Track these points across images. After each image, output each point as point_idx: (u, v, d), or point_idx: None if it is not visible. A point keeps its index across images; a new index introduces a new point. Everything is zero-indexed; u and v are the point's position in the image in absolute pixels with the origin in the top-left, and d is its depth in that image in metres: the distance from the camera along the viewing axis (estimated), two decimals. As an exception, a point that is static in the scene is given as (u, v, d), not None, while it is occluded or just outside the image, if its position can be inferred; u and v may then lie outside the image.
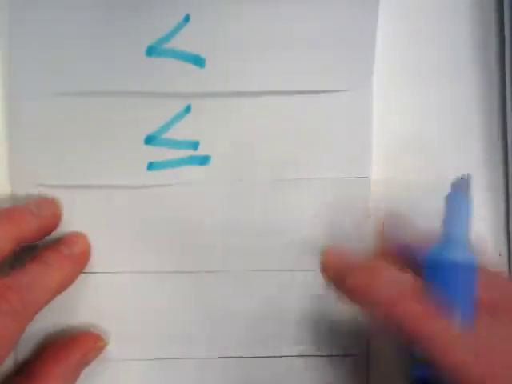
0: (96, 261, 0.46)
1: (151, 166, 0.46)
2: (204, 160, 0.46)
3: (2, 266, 0.42)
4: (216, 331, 0.47)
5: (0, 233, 0.41)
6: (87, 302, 0.46)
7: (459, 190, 0.40)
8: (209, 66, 0.45)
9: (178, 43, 0.45)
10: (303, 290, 0.47)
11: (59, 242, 0.45)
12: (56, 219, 0.45)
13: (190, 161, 0.46)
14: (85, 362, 0.45)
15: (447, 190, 0.41)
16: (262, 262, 0.47)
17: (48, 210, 0.45)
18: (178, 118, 0.45)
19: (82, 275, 0.46)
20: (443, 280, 0.39)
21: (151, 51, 0.44)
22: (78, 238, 0.45)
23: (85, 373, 0.45)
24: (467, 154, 0.49)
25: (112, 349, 0.47)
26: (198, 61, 0.45)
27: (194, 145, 0.46)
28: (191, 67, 0.45)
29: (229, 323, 0.47)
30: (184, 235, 0.46)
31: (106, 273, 0.46)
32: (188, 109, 0.45)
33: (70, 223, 0.46)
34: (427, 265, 0.40)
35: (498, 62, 0.49)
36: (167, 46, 0.44)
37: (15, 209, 0.44)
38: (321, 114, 0.46)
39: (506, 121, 0.49)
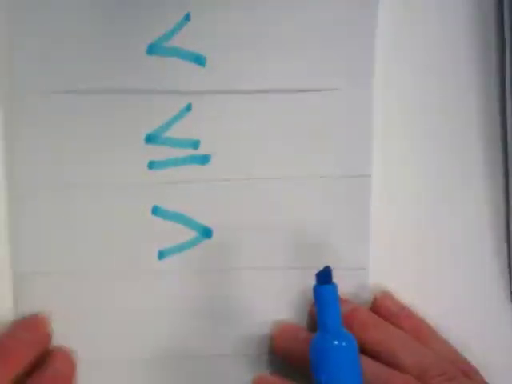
0: (97, 260, 0.45)
1: (152, 165, 0.45)
2: (204, 159, 0.45)
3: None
4: (204, 330, 0.46)
5: None
6: (77, 301, 0.45)
7: (323, 281, 0.40)
8: (209, 65, 0.44)
9: (179, 42, 0.44)
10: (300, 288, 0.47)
11: (46, 363, 0.44)
12: (47, 340, 0.44)
13: (191, 160, 0.45)
14: None
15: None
16: (261, 260, 0.46)
17: (38, 332, 0.44)
18: (179, 116, 0.45)
19: (81, 274, 0.45)
20: (327, 367, 0.40)
21: (152, 50, 0.44)
22: (64, 357, 0.44)
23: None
24: (467, 153, 0.49)
25: (94, 349, 0.45)
26: (199, 59, 0.44)
27: (195, 144, 0.45)
28: (192, 66, 0.44)
29: (224, 322, 0.46)
30: (184, 233, 0.46)
31: (105, 272, 0.45)
32: (188, 107, 0.45)
33: (70, 222, 0.45)
34: (312, 354, 0.41)
35: (497, 62, 0.48)
36: (168, 44, 0.44)
37: (6, 342, 0.43)
38: (321, 112, 0.46)
39: (505, 121, 0.48)
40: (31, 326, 0.44)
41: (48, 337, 0.44)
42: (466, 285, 0.49)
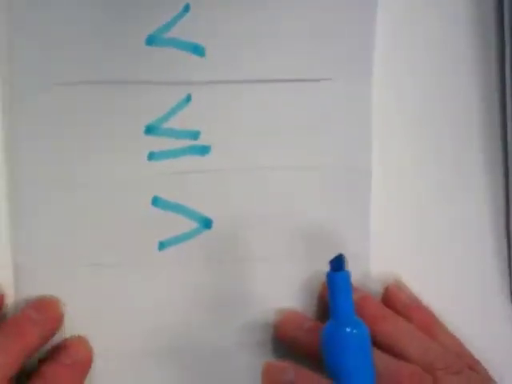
0: (96, 251, 0.45)
1: (152, 156, 0.45)
2: (204, 150, 0.45)
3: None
4: (205, 321, 0.46)
5: (7, 350, 0.41)
6: (77, 293, 0.45)
7: (337, 268, 0.40)
8: (209, 56, 0.44)
9: (178, 33, 0.44)
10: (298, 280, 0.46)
11: (60, 351, 0.44)
12: (57, 321, 0.44)
13: (191, 151, 0.45)
14: None
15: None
16: (262, 250, 0.46)
17: (49, 313, 0.44)
18: (179, 107, 0.44)
19: (81, 266, 0.45)
20: (339, 354, 0.40)
21: (151, 40, 0.44)
22: (79, 344, 0.44)
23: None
24: (467, 153, 0.48)
25: (93, 341, 0.45)
26: (198, 50, 0.44)
27: (195, 134, 0.45)
28: (191, 56, 0.44)
29: (225, 312, 0.46)
30: (184, 224, 0.45)
31: (105, 263, 0.45)
32: (188, 98, 0.44)
33: (70, 214, 0.44)
34: (324, 341, 0.40)
35: (497, 62, 0.48)
36: (167, 35, 0.44)
37: (17, 321, 0.43)
38: (321, 102, 0.46)
39: (505, 121, 0.48)
40: (41, 307, 0.44)
41: (58, 318, 0.44)
42: (466, 284, 0.49)
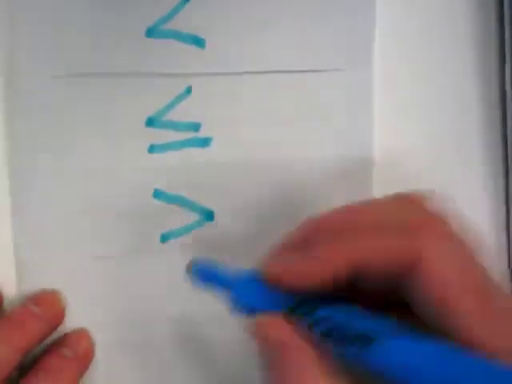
0: (99, 244, 0.45)
1: (153, 149, 0.44)
2: (205, 142, 0.45)
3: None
4: (208, 313, 0.45)
5: (7, 344, 0.40)
6: (80, 287, 0.45)
7: None
8: (209, 47, 0.44)
9: (178, 24, 0.43)
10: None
11: (61, 343, 0.43)
12: (59, 315, 0.44)
13: (192, 143, 0.45)
14: None
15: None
16: (263, 242, 0.44)
17: (50, 307, 0.43)
18: (179, 99, 0.44)
19: (83, 260, 0.44)
20: None
21: (151, 32, 0.43)
22: (80, 336, 0.44)
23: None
24: (467, 153, 0.48)
25: (96, 334, 0.45)
26: (198, 42, 0.44)
27: (196, 126, 0.45)
28: (191, 48, 0.44)
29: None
30: (186, 216, 0.45)
31: (108, 256, 0.45)
32: (189, 90, 0.44)
33: (72, 207, 0.44)
34: None
35: (497, 62, 0.48)
36: (167, 26, 0.43)
37: (18, 315, 0.42)
38: (322, 93, 0.45)
39: (505, 121, 0.48)
40: (42, 301, 0.43)
41: (60, 312, 0.44)
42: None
